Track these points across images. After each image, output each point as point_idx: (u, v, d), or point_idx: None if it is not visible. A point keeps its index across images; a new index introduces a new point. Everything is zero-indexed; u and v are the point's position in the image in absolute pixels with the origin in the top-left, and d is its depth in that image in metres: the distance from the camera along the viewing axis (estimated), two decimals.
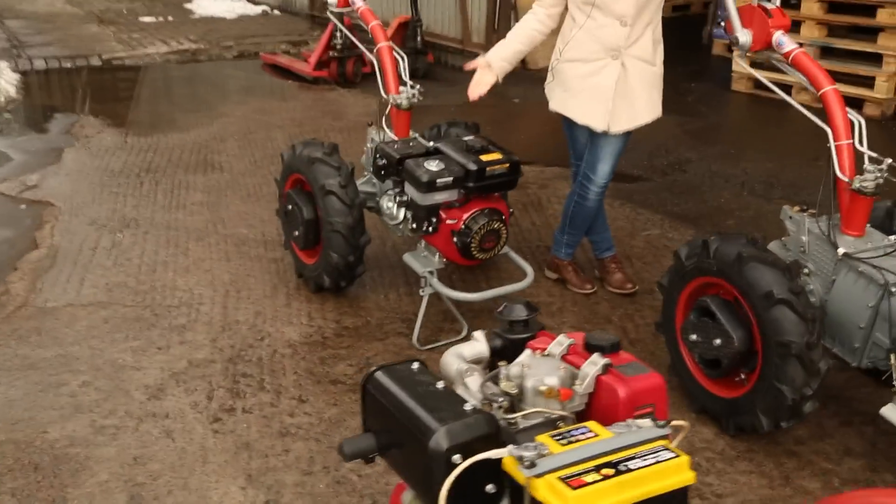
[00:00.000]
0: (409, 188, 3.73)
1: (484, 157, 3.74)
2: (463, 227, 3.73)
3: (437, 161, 3.67)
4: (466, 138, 3.91)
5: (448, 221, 3.74)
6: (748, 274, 3.03)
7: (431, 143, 3.94)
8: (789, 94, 7.13)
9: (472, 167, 3.68)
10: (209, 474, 3.10)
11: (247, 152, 6.45)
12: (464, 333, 3.98)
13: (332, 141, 4.26)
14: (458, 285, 4.29)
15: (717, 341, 3.13)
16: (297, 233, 4.25)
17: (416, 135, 4.40)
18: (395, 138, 4.21)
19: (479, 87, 3.88)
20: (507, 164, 3.76)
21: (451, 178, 3.63)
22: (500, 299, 4.14)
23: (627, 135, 4.04)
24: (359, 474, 3.07)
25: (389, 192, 3.92)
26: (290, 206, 4.27)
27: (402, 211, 3.86)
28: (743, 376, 3.17)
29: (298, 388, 3.60)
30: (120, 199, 5.56)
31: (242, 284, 4.45)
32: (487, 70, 3.90)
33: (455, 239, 3.74)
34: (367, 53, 4.47)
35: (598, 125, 3.96)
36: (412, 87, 4.26)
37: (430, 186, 3.61)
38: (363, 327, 4.08)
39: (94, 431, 3.32)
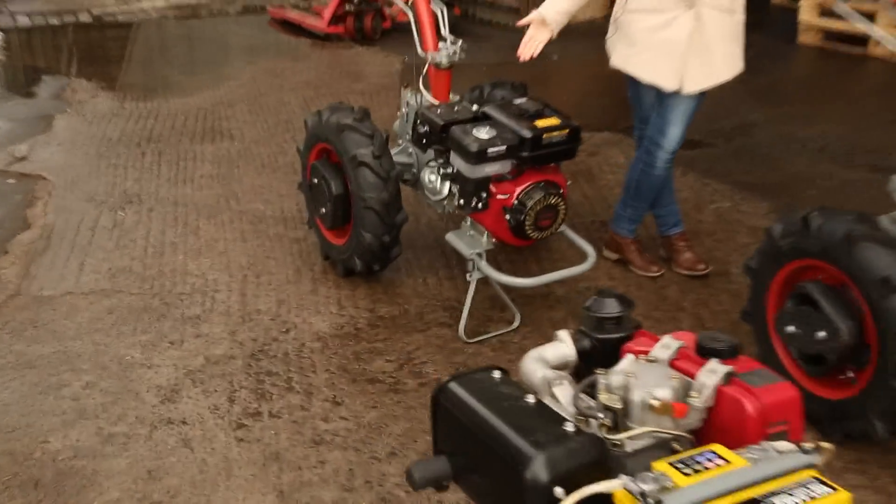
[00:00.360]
0: (455, 159, 3.52)
1: (539, 123, 3.53)
2: (516, 202, 3.53)
3: (486, 128, 3.46)
4: (518, 101, 3.69)
5: (499, 196, 3.54)
6: (860, 256, 2.82)
7: (477, 108, 3.72)
8: (864, 46, 6.89)
9: (527, 134, 3.47)
10: (234, 490, 2.93)
11: (258, 118, 6.25)
12: (515, 323, 3.79)
13: (354, 105, 4.05)
14: (505, 268, 4.08)
15: (821, 334, 2.92)
16: (323, 210, 4.06)
17: (458, 97, 4.20)
18: (436, 102, 3.99)
19: (531, 45, 3.67)
20: (567, 131, 3.55)
21: (503, 148, 3.42)
22: (556, 285, 3.96)
23: (702, 95, 3.82)
24: (406, 490, 2.89)
25: (431, 163, 3.71)
26: (315, 180, 4.08)
27: (447, 185, 3.66)
28: (851, 374, 2.96)
29: (332, 389, 3.42)
30: (120, 172, 5.38)
31: (262, 268, 4.27)
32: (542, 26, 3.68)
33: (507, 216, 3.54)
34: (401, 5, 4.25)
35: (668, 84, 3.74)
36: (453, 43, 4.03)
37: (480, 157, 3.40)
38: (401, 317, 3.89)
39: (102, 441, 3.16)
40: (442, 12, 4.12)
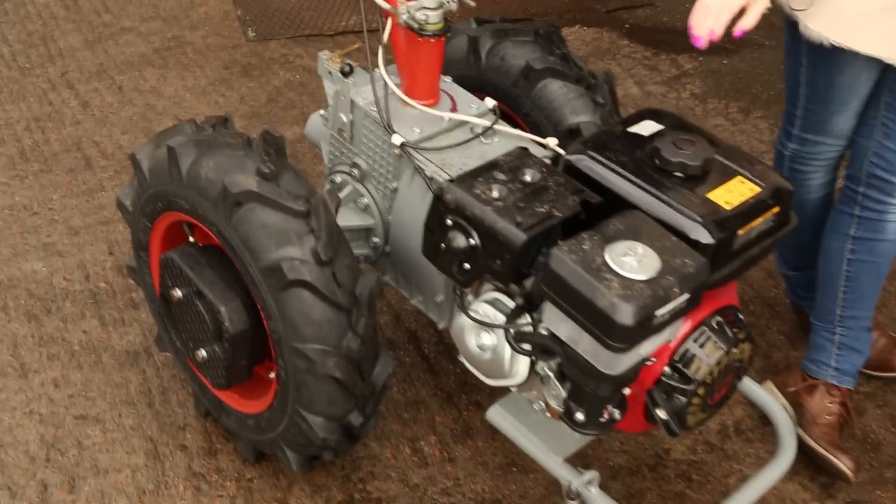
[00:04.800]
0: (562, 324, 1.62)
1: (720, 199, 1.71)
2: (670, 373, 1.74)
3: (634, 247, 1.57)
4: (641, 128, 1.81)
5: None
6: None
7: (564, 153, 1.83)
8: None
9: (705, 238, 1.64)
10: None
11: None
12: None
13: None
14: None
15: None
16: (203, 354, 2.08)
17: (449, 80, 2.25)
18: (413, 102, 2.06)
19: (754, 14, 1.84)
20: (776, 209, 1.74)
21: (684, 298, 1.56)
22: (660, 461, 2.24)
23: None
24: None
25: (488, 310, 1.77)
26: (176, 292, 2.07)
27: (523, 363, 1.77)
28: None
29: None
30: None
31: (81, 452, 2.27)
32: None
33: (653, 404, 1.75)
34: None
35: None
36: None
37: (639, 332, 1.53)
38: None
39: None
40: None
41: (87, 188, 3.05)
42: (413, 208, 2.05)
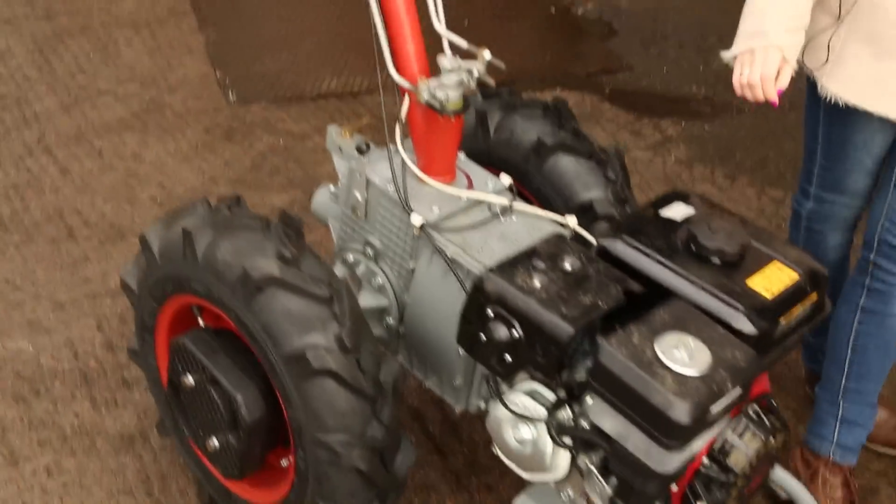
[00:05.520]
0: (610, 419, 1.58)
1: (760, 287, 1.70)
2: (709, 465, 1.71)
3: (684, 338, 1.54)
4: (672, 212, 1.80)
5: None
6: None
7: (583, 232, 1.81)
8: None
9: (748, 328, 1.62)
10: None
11: None
12: None
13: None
14: None
15: None
16: (215, 442, 2.00)
17: (463, 157, 2.22)
18: (430, 181, 2.03)
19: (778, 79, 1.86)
20: (814, 297, 1.73)
21: (737, 392, 1.53)
22: None
23: None
24: None
25: (521, 396, 1.72)
26: (187, 378, 2.00)
27: (564, 456, 1.72)
28: None
29: None
30: None
31: None
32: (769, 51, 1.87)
33: (695, 493, 1.71)
34: None
35: None
36: (465, 55, 2.01)
37: (694, 428, 1.50)
38: None
39: None
40: None
41: (72, 260, 2.96)
42: (432, 289, 2.01)
